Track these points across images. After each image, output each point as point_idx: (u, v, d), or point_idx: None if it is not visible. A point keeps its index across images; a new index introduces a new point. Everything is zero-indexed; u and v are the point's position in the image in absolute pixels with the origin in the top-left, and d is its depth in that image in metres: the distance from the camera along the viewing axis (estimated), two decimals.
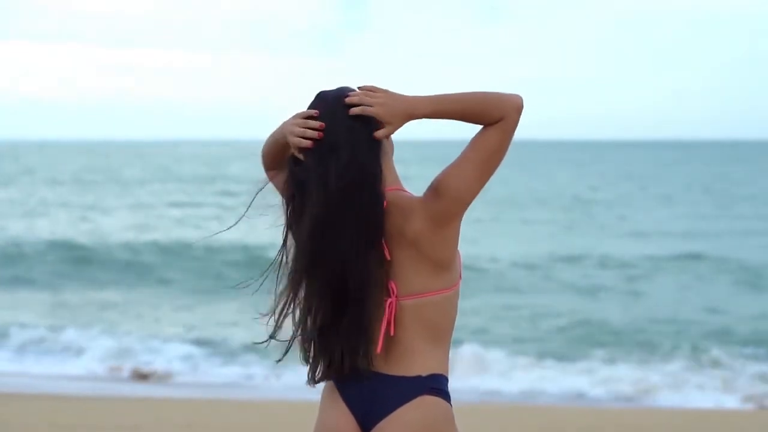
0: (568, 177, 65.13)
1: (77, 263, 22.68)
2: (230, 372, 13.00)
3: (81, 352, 13.72)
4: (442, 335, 2.83)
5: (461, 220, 2.79)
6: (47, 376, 12.56)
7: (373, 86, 2.75)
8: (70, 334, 14.59)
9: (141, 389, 12.00)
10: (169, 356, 13.49)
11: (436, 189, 2.76)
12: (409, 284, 2.78)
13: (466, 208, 2.77)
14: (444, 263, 2.79)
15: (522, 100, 2.74)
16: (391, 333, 2.77)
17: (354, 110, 2.72)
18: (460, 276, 2.87)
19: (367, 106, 2.71)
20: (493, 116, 2.72)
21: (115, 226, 31.29)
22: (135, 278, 21.14)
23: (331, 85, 2.84)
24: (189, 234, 28.03)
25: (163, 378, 12.78)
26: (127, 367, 13.13)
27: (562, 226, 33.11)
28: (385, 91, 2.74)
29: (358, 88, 2.78)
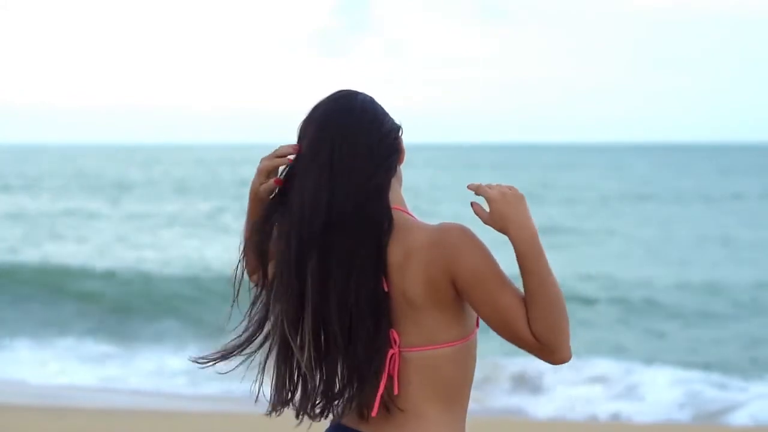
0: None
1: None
2: None
3: None
4: (455, 395, 2.37)
5: None
6: None
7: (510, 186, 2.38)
8: None
9: None
10: None
11: (439, 245, 2.34)
12: (413, 333, 2.34)
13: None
14: (453, 308, 2.36)
15: (570, 356, 2.30)
16: (395, 391, 2.32)
17: (474, 188, 2.40)
18: (478, 323, 2.43)
19: (489, 193, 2.37)
20: (543, 327, 2.27)
21: None
22: None
23: (333, 88, 2.55)
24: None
25: None
26: None
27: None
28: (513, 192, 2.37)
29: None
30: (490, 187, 2.39)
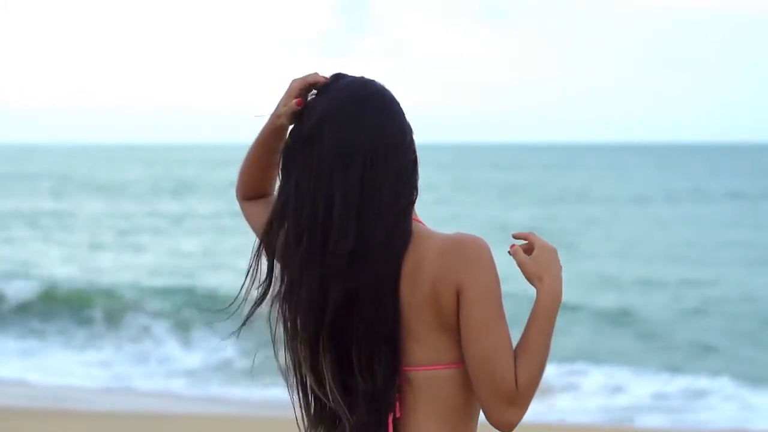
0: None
1: None
2: None
3: None
4: (463, 423, 2.18)
5: None
6: None
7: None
8: None
9: None
10: None
11: (456, 254, 2.15)
12: (416, 350, 2.16)
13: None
14: (458, 327, 2.16)
15: (518, 422, 2.15)
16: (397, 414, 2.15)
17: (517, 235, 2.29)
18: None
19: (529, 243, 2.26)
20: (528, 374, 2.13)
21: None
22: None
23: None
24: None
25: None
26: None
27: None
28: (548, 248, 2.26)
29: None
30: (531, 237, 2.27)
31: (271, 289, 2.24)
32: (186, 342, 15.50)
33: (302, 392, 2.24)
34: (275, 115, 2.31)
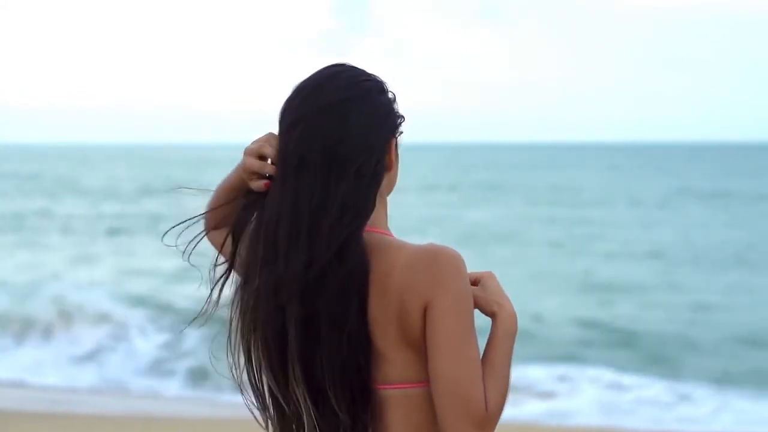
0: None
1: None
2: None
3: None
4: None
5: None
6: None
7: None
8: None
9: None
10: None
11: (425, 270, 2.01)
12: (386, 368, 2.03)
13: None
14: (425, 345, 2.03)
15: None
16: None
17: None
18: None
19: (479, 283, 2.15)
20: (497, 396, 2.01)
21: None
22: None
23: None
24: None
25: None
26: None
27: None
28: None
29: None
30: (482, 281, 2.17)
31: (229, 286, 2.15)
32: (181, 343, 15.49)
33: (260, 401, 2.15)
34: (240, 176, 2.19)
